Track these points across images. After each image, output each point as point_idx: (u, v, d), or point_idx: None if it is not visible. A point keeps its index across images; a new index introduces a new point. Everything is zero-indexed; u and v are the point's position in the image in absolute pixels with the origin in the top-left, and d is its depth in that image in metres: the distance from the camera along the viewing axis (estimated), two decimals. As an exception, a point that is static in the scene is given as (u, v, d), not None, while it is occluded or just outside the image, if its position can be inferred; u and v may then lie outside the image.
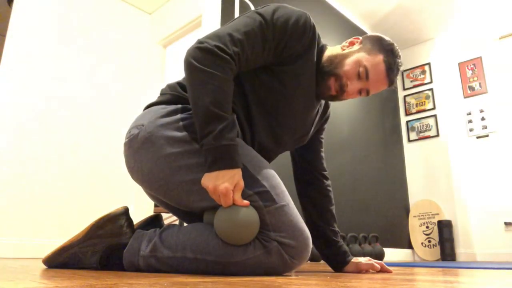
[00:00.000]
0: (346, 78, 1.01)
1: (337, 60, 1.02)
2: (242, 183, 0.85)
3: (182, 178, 0.92)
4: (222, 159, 0.83)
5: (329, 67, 1.02)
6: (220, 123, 0.83)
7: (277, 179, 0.95)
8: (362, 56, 1.01)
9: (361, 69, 0.99)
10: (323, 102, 1.20)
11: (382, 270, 1.16)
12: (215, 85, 0.84)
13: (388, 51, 1.02)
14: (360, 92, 1.03)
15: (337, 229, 1.22)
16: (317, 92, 1.05)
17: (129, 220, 0.99)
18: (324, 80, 1.02)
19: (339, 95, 1.03)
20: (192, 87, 0.87)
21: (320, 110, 1.18)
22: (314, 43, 1.01)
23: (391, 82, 1.04)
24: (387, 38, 1.06)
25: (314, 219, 1.22)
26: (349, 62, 1.01)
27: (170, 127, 0.94)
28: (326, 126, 1.27)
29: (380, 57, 1.01)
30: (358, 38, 1.07)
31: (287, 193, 0.94)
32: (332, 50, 1.07)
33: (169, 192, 0.95)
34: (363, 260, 1.17)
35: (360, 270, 1.16)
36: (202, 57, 0.86)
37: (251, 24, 0.92)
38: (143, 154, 0.96)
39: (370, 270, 1.16)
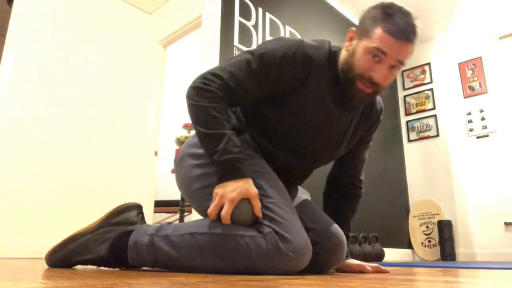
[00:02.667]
0: (367, 72, 0.97)
1: (348, 63, 1.01)
2: (254, 191, 0.92)
3: (197, 186, 1.06)
4: (230, 172, 0.92)
5: (347, 74, 1.01)
6: (219, 141, 0.94)
7: (276, 183, 1.00)
8: (364, 43, 0.97)
9: (373, 55, 0.96)
10: (364, 110, 1.16)
11: (379, 271, 1.16)
12: (204, 114, 0.96)
13: (383, 18, 0.95)
14: (391, 69, 0.98)
15: (347, 232, 1.24)
16: (353, 99, 1.03)
17: (143, 214, 1.10)
18: (353, 87, 1.00)
19: (376, 88, 0.99)
20: (191, 120, 1.01)
21: (355, 120, 1.14)
22: (311, 70, 1.01)
23: (408, 39, 0.94)
24: (376, 4, 0.99)
25: (328, 215, 1.24)
26: (359, 58, 0.98)
27: (194, 147, 1.11)
28: (372, 135, 1.23)
29: (379, 30, 0.95)
30: (352, 30, 1.05)
31: (286, 196, 0.98)
32: (341, 56, 1.06)
33: (192, 200, 1.10)
34: (355, 262, 1.18)
35: (349, 271, 1.17)
36: (193, 94, 0.99)
37: (238, 61, 1.01)
38: (178, 171, 1.14)
39: (364, 271, 1.16)
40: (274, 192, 0.96)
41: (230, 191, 0.90)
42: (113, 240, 0.99)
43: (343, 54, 1.05)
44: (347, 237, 1.23)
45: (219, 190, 0.92)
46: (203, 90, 0.98)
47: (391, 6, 0.96)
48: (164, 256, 0.95)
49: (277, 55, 0.99)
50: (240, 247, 0.89)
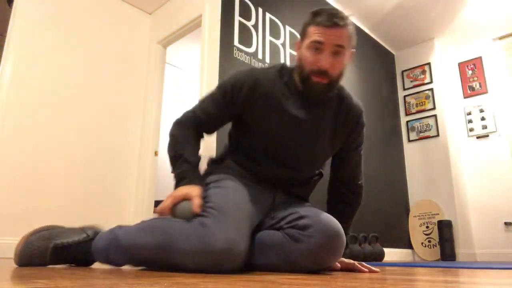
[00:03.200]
0: (315, 64, 1.08)
1: (300, 65, 1.13)
2: (195, 191, 1.04)
3: None
4: (181, 181, 1.10)
5: (302, 74, 1.12)
6: (177, 160, 1.15)
7: (229, 195, 1.07)
8: (305, 43, 1.11)
9: (313, 48, 1.08)
10: (339, 113, 1.21)
11: (370, 271, 1.18)
12: (174, 141, 1.20)
13: (313, 17, 1.10)
14: (335, 55, 1.08)
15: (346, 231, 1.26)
16: (315, 96, 1.13)
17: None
18: (309, 82, 1.10)
19: (330, 77, 1.09)
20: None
21: (327, 122, 1.19)
22: (259, 89, 1.14)
23: (337, 23, 1.08)
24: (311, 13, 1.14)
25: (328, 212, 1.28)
26: (305, 56, 1.10)
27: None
28: (358, 139, 1.25)
29: (311, 27, 1.10)
30: (296, 42, 1.19)
31: (237, 205, 1.04)
32: (295, 66, 1.19)
33: None
34: (345, 260, 1.20)
35: (336, 268, 1.20)
36: (171, 128, 1.24)
37: (206, 95, 1.25)
38: None
39: (355, 269, 1.18)
40: (218, 199, 1.04)
41: (175, 192, 1.06)
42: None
43: (296, 63, 1.17)
44: (347, 246, 1.25)
45: (172, 192, 1.07)
46: (177, 123, 1.24)
47: (319, 9, 1.13)
48: (113, 243, 1.03)
49: (230, 82, 1.18)
50: (171, 227, 0.99)
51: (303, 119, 1.14)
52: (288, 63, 3.11)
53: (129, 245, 1.00)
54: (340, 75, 1.12)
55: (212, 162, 1.32)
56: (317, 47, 1.07)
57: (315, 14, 1.10)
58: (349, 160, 1.27)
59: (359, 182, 1.30)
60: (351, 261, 1.21)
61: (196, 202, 1.01)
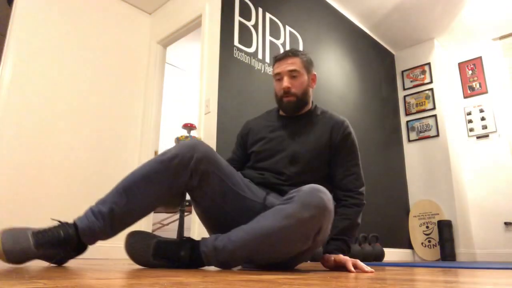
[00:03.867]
0: (281, 89, 1.39)
1: (276, 96, 1.44)
2: None
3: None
4: None
5: (277, 101, 1.43)
6: None
7: (235, 178, 1.26)
8: (274, 79, 1.44)
9: (276, 80, 1.42)
10: (317, 124, 1.44)
11: (363, 271, 1.18)
12: None
13: (274, 59, 1.45)
14: (291, 78, 1.37)
15: (339, 236, 1.28)
16: (288, 111, 1.42)
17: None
18: (283, 103, 1.41)
19: (292, 93, 1.38)
20: None
21: (302, 129, 1.42)
22: (250, 126, 1.52)
23: (287, 55, 1.39)
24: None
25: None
26: (275, 88, 1.44)
27: None
28: (346, 144, 1.38)
29: (274, 66, 1.44)
30: None
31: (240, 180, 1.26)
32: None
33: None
34: (341, 257, 1.21)
35: (324, 262, 1.25)
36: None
37: None
38: None
39: (346, 268, 1.18)
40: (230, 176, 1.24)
41: None
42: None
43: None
44: (348, 248, 1.28)
45: None
46: None
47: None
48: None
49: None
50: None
51: (283, 128, 1.42)
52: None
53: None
54: (305, 93, 1.39)
55: None
56: (278, 78, 1.39)
57: (274, 57, 1.45)
58: (341, 165, 1.38)
59: (357, 190, 1.36)
60: (346, 258, 1.20)
61: None
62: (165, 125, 4.07)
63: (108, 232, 1.07)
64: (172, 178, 1.11)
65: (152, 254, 1.08)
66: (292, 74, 1.36)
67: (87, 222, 1.05)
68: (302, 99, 1.38)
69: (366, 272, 1.15)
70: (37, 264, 1.30)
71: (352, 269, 1.16)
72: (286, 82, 1.36)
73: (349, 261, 1.18)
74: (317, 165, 1.35)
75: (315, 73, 1.46)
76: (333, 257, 1.23)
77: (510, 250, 3.62)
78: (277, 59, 1.41)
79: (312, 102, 1.46)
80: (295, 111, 1.41)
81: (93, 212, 1.08)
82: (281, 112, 1.46)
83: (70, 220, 1.10)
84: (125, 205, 1.09)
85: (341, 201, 1.35)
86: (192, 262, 1.09)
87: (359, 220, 1.34)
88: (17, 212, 2.51)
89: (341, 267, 1.20)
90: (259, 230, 1.04)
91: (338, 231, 1.28)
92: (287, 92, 1.36)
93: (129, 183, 1.14)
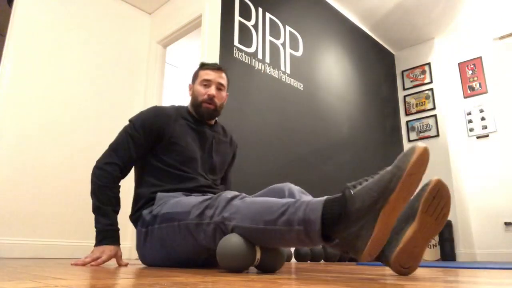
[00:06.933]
0: (206, 94, 1.48)
1: (194, 98, 1.52)
2: (119, 254, 1.33)
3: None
4: (105, 239, 1.33)
5: (195, 104, 1.51)
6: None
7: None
8: (197, 82, 1.53)
9: (203, 84, 1.50)
10: (221, 134, 1.60)
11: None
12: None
13: (201, 66, 1.55)
14: (218, 90, 1.50)
15: None
16: (205, 118, 1.50)
17: None
18: (201, 109, 1.49)
19: (214, 102, 1.49)
20: None
21: (217, 136, 1.56)
22: (166, 119, 1.46)
23: (220, 68, 1.52)
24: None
25: None
26: (197, 92, 1.50)
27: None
28: (234, 159, 1.68)
29: (201, 71, 1.53)
30: (189, 85, 1.59)
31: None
32: (189, 102, 1.57)
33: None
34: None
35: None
36: None
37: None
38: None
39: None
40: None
41: (103, 255, 1.30)
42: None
43: (190, 100, 1.55)
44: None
45: (96, 253, 1.30)
46: None
47: (205, 62, 1.58)
48: None
49: (141, 118, 1.61)
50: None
51: (202, 133, 1.51)
52: (284, 64, 3.11)
53: None
54: (221, 106, 1.53)
55: (138, 213, 1.47)
56: (206, 83, 1.49)
57: (203, 64, 1.55)
58: (228, 173, 1.66)
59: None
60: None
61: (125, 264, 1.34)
62: (165, 125, 4.07)
63: None
64: None
65: None
66: (220, 87, 1.50)
67: None
68: (219, 110, 1.52)
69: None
70: (37, 264, 1.30)
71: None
72: (213, 90, 1.47)
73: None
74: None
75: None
76: None
77: (510, 250, 3.62)
78: (209, 67, 1.51)
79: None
80: (209, 119, 1.53)
81: None
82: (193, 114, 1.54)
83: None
84: None
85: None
86: None
87: None
88: (17, 212, 2.51)
89: None
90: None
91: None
92: (211, 99, 1.47)
93: None
